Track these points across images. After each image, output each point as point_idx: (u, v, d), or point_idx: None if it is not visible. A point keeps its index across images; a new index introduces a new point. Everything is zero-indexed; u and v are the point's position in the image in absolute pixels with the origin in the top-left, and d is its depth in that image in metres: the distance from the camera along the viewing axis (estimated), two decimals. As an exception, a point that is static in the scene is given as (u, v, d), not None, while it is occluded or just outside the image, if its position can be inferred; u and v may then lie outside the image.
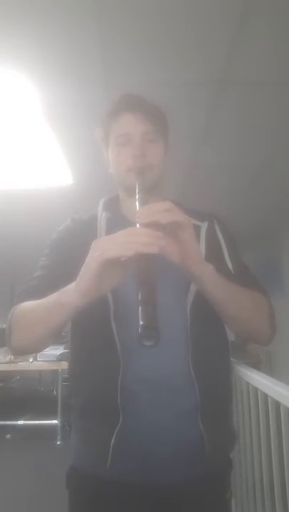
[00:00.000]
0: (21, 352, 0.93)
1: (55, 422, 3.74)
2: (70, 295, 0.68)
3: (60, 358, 3.75)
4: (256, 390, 1.19)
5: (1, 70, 1.54)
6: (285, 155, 2.46)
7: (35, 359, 3.81)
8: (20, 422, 3.90)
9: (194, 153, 2.43)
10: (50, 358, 3.77)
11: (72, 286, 0.69)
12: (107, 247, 0.62)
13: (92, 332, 0.85)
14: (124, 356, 0.80)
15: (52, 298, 0.74)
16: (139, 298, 0.58)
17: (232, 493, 1.00)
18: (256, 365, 1.27)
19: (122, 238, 0.62)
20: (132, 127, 0.89)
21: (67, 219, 1.00)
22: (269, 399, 1.10)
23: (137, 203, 0.75)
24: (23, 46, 1.43)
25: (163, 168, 0.93)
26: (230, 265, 0.92)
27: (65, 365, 3.62)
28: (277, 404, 1.05)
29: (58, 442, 3.60)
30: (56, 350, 3.78)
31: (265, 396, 1.12)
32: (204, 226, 0.94)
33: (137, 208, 0.74)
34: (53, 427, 3.72)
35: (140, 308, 0.57)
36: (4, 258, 5.24)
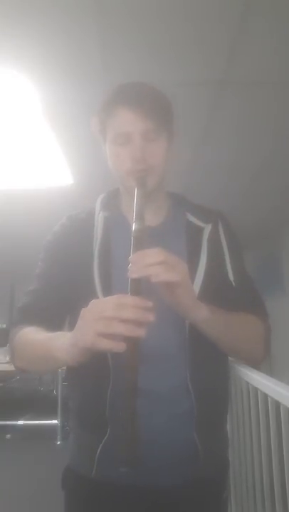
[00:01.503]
0: (25, 372, 0.94)
1: (55, 422, 3.75)
2: (63, 354, 0.67)
3: (60, 358, 3.74)
4: (256, 390, 1.19)
5: (1, 70, 1.54)
6: (285, 155, 2.46)
7: (35, 359, 3.80)
8: (21, 422, 3.91)
9: (194, 153, 2.43)
10: (50, 358, 3.76)
11: (65, 345, 0.66)
12: (92, 329, 0.59)
13: None
14: (115, 368, 0.78)
15: (47, 346, 0.73)
16: (123, 402, 0.61)
17: (229, 493, 1.00)
18: (256, 365, 1.26)
19: (110, 312, 0.59)
20: (131, 126, 0.80)
21: (64, 217, 0.96)
22: (269, 399, 1.09)
23: (134, 222, 0.71)
24: (23, 46, 1.43)
25: (166, 166, 0.87)
26: (231, 276, 0.89)
27: (65, 365, 3.62)
28: (277, 404, 1.04)
29: (58, 442, 3.60)
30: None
31: (265, 396, 1.12)
32: (207, 229, 0.90)
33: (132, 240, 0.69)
34: (53, 427, 3.73)
35: (124, 426, 0.60)
36: (4, 258, 5.24)
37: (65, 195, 2.94)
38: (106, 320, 0.59)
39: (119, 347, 0.58)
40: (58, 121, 1.96)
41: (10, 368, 3.79)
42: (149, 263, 0.64)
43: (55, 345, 0.70)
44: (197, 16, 1.32)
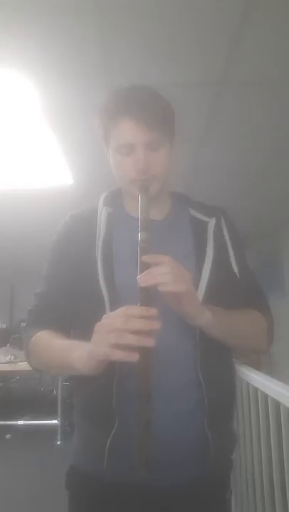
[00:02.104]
0: (40, 372, 0.97)
1: (55, 422, 3.74)
2: (80, 366, 0.71)
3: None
4: (256, 390, 1.19)
5: (1, 70, 1.55)
6: (285, 155, 2.46)
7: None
8: (21, 422, 3.90)
9: (194, 153, 2.43)
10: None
11: (83, 357, 0.70)
12: (106, 341, 0.64)
13: (90, 335, 0.85)
14: (120, 361, 0.80)
15: (64, 356, 0.77)
16: (137, 409, 0.65)
17: (232, 492, 1.00)
18: (256, 366, 1.26)
19: (120, 324, 0.63)
20: (133, 137, 0.81)
21: (66, 216, 0.98)
22: (269, 399, 1.10)
23: (140, 233, 0.73)
24: (23, 46, 1.43)
25: (169, 172, 0.89)
26: (235, 269, 0.91)
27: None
28: (277, 404, 1.05)
29: (58, 442, 3.60)
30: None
31: (265, 396, 1.12)
32: (212, 223, 0.93)
33: (139, 236, 0.73)
34: (53, 427, 3.72)
35: (138, 433, 0.64)
36: (4, 258, 5.24)
37: (65, 196, 2.94)
38: (117, 332, 0.63)
39: (133, 357, 0.61)
40: (58, 121, 1.96)
41: (10, 367, 3.80)
42: (158, 273, 0.68)
43: (72, 356, 0.73)
44: (197, 16, 1.32)
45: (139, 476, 0.64)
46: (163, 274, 0.68)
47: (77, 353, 0.72)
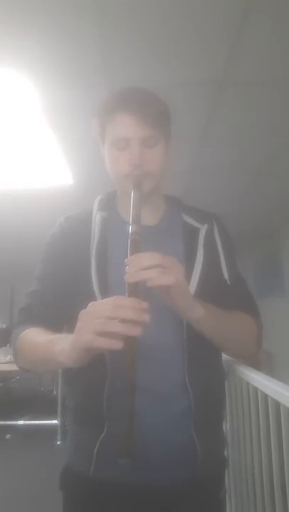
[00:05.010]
0: (28, 372, 0.95)
1: (55, 422, 3.74)
2: (64, 358, 0.68)
3: (60, 358, 3.74)
4: (256, 390, 1.19)
5: (1, 70, 1.54)
6: (285, 155, 2.46)
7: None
8: (21, 422, 3.90)
9: (195, 153, 2.43)
10: (50, 358, 3.77)
11: (66, 348, 0.67)
12: (90, 328, 0.61)
13: None
14: (112, 364, 0.79)
15: (48, 350, 0.74)
16: (122, 399, 0.63)
17: (226, 491, 1.00)
18: (256, 365, 1.26)
19: (108, 312, 0.61)
20: (130, 132, 0.82)
21: (61, 217, 0.97)
22: (269, 399, 1.10)
23: (131, 225, 0.72)
24: (23, 46, 1.43)
25: (163, 171, 0.89)
26: (226, 275, 0.91)
27: (65, 365, 3.62)
28: (277, 404, 1.04)
29: (58, 442, 3.60)
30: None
31: (265, 396, 1.12)
32: (203, 229, 0.93)
33: (129, 232, 0.72)
34: (53, 427, 3.73)
35: (122, 420, 0.62)
36: (4, 258, 5.24)
37: (65, 196, 2.94)
38: (103, 319, 0.60)
39: (117, 345, 0.59)
40: (58, 121, 1.96)
41: (10, 368, 3.79)
42: (144, 267, 0.66)
43: (56, 348, 0.71)
44: (197, 15, 1.32)
45: (122, 472, 0.64)
46: (150, 267, 0.66)
47: (61, 345, 0.70)
